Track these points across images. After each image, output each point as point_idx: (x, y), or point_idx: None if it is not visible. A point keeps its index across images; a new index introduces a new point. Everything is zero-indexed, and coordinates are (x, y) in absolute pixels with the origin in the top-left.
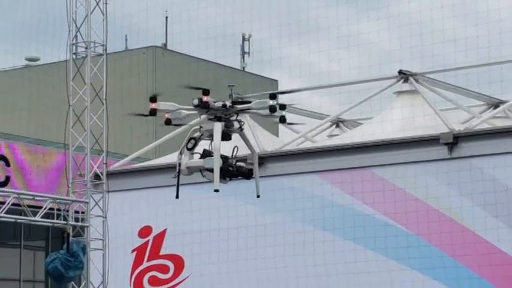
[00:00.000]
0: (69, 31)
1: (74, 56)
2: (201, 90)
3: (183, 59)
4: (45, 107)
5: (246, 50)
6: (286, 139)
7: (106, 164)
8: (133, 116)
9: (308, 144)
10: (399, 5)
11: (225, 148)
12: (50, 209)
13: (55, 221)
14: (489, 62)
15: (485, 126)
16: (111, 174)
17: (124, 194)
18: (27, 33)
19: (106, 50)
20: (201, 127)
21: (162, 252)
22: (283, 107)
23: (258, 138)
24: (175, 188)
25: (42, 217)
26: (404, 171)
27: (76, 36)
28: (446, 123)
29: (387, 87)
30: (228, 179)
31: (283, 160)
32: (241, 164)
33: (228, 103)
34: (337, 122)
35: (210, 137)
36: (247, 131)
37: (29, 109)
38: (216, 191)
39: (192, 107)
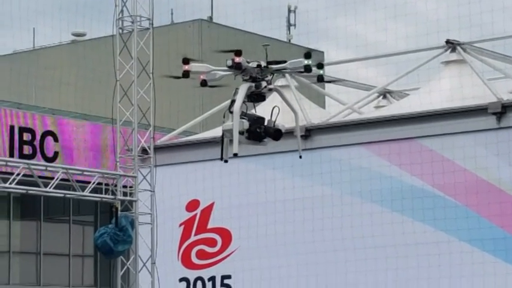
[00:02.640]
0: (116, 6)
1: (121, 31)
2: None
3: (228, 31)
4: (92, 82)
5: (292, 21)
6: (333, 111)
7: (153, 138)
8: (180, 91)
9: (355, 116)
10: None
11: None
12: (98, 183)
13: (103, 195)
14: None
15: None
16: (158, 149)
17: (171, 168)
18: (74, 8)
19: (152, 24)
20: (237, 89)
21: (209, 226)
22: (320, 65)
23: (305, 110)
24: (222, 162)
25: (90, 192)
26: (453, 141)
27: (122, 10)
28: (495, 92)
29: (434, 57)
30: (265, 140)
31: (330, 132)
32: (278, 124)
33: (263, 63)
34: (385, 93)
35: (248, 98)
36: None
37: (76, 84)
38: (235, 155)
39: (226, 68)
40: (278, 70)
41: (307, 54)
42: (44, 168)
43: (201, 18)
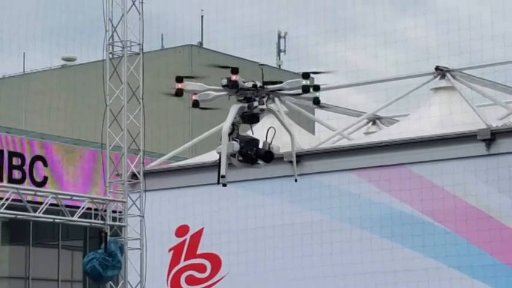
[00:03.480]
0: (106, 31)
1: (111, 56)
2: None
3: (219, 57)
4: (82, 107)
5: (282, 47)
6: (322, 137)
7: (143, 163)
8: (170, 116)
9: (345, 142)
10: (436, 1)
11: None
12: (88, 208)
13: (93, 220)
14: None
15: None
16: (148, 174)
17: (161, 193)
18: (64, 33)
19: (142, 49)
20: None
21: (199, 251)
22: (317, 88)
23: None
24: (212, 187)
25: (79, 217)
26: (442, 168)
27: (112, 35)
28: (484, 119)
29: (424, 84)
30: (260, 163)
31: (320, 158)
32: (272, 146)
33: (259, 83)
34: (374, 119)
35: (241, 119)
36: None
37: (65, 109)
38: (223, 177)
39: (220, 88)
40: (274, 90)
41: (306, 75)
42: (33, 193)
43: (191, 43)
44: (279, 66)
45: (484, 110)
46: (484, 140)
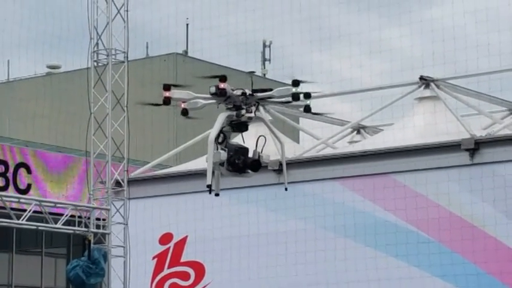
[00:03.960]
0: (91, 39)
1: (95, 64)
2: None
3: (204, 65)
4: (66, 115)
5: (267, 56)
6: (307, 145)
7: (127, 171)
8: (154, 124)
9: (329, 151)
10: (421, 11)
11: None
12: (71, 216)
13: (76, 228)
14: None
15: (507, 132)
16: (132, 181)
17: (145, 201)
18: (49, 41)
19: (127, 57)
20: None
21: (182, 259)
22: (307, 95)
23: (279, 144)
24: (196, 195)
25: (63, 224)
26: (426, 177)
27: (97, 43)
28: (468, 129)
29: (408, 94)
30: (249, 172)
31: (304, 167)
32: (262, 155)
33: (248, 91)
34: (359, 128)
35: (230, 128)
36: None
37: (50, 117)
38: (208, 186)
39: (209, 96)
40: (263, 98)
41: (295, 82)
42: (16, 200)
43: (176, 51)
44: (264, 75)
45: (468, 120)
46: (467, 150)
